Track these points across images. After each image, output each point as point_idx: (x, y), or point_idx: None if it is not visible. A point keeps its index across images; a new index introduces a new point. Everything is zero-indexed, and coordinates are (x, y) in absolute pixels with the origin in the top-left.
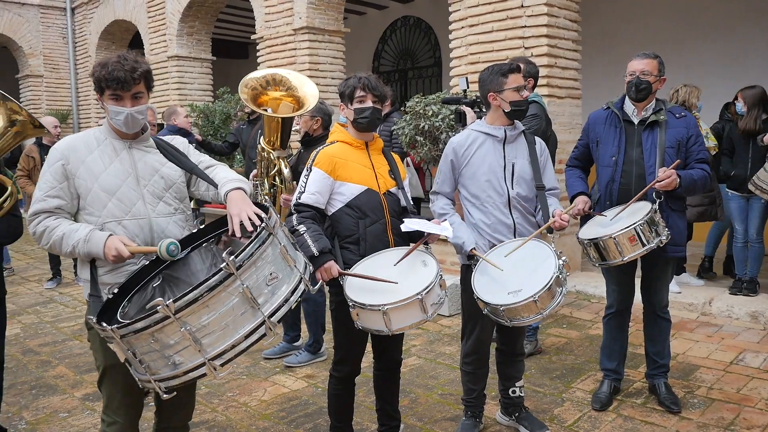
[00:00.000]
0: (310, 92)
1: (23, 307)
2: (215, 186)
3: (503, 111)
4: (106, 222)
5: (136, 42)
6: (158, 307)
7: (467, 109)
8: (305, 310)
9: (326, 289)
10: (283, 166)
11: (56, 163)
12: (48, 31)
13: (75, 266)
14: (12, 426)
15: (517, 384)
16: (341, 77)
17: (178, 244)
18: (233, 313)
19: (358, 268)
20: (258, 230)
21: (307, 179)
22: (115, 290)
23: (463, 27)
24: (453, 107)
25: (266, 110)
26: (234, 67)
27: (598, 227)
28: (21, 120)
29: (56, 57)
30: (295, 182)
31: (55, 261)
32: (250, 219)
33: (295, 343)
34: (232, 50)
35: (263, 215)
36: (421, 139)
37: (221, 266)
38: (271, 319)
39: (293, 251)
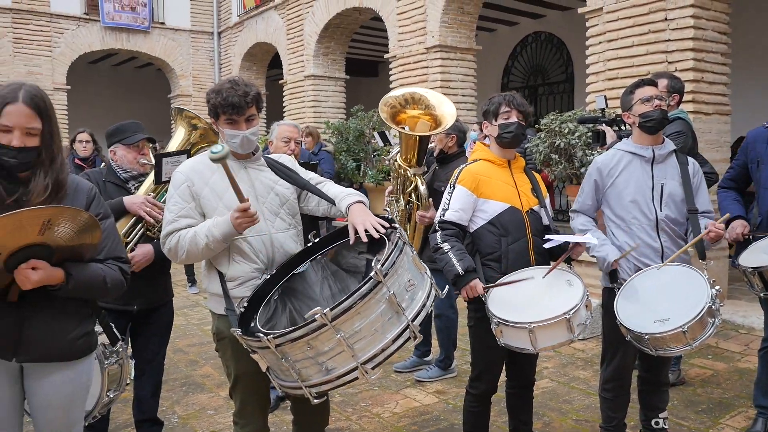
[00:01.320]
0: (448, 111)
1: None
2: (330, 201)
3: (638, 126)
4: (233, 239)
5: (274, 63)
6: (316, 316)
7: (607, 129)
8: (437, 326)
9: (459, 305)
10: (419, 183)
11: (182, 185)
12: (197, 54)
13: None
14: (166, 419)
15: (660, 415)
16: (472, 94)
17: (225, 147)
18: (382, 318)
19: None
20: (392, 239)
21: (450, 196)
22: (245, 304)
23: (600, 42)
24: (589, 125)
25: (404, 128)
26: (364, 85)
27: (762, 254)
28: (201, 126)
29: (203, 78)
30: (430, 199)
31: (189, 269)
32: (375, 229)
33: (426, 358)
34: (363, 69)
35: (386, 225)
36: (556, 157)
37: (371, 275)
38: (414, 323)
39: (419, 259)
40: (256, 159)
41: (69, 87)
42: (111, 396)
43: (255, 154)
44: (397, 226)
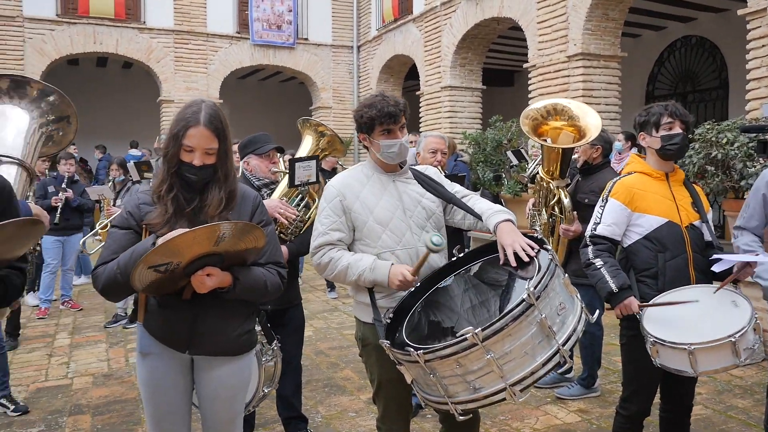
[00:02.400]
0: (592, 123)
1: (314, 312)
2: (477, 216)
3: None
4: (381, 252)
5: (411, 74)
6: (467, 336)
7: None
8: (581, 343)
9: (604, 319)
10: (563, 196)
11: (334, 199)
12: (337, 68)
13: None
14: (310, 417)
15: None
16: (616, 103)
17: (442, 237)
18: (532, 341)
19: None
20: (543, 260)
21: (603, 210)
22: (391, 315)
23: (764, 45)
24: (752, 135)
25: (545, 140)
26: (499, 94)
27: None
28: (328, 133)
29: (343, 90)
30: (575, 212)
31: None
32: (524, 250)
33: (567, 375)
34: (499, 78)
35: (535, 246)
36: (712, 168)
37: (523, 297)
38: (564, 347)
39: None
40: (403, 172)
41: (221, 101)
42: (266, 391)
43: (402, 167)
44: (549, 247)
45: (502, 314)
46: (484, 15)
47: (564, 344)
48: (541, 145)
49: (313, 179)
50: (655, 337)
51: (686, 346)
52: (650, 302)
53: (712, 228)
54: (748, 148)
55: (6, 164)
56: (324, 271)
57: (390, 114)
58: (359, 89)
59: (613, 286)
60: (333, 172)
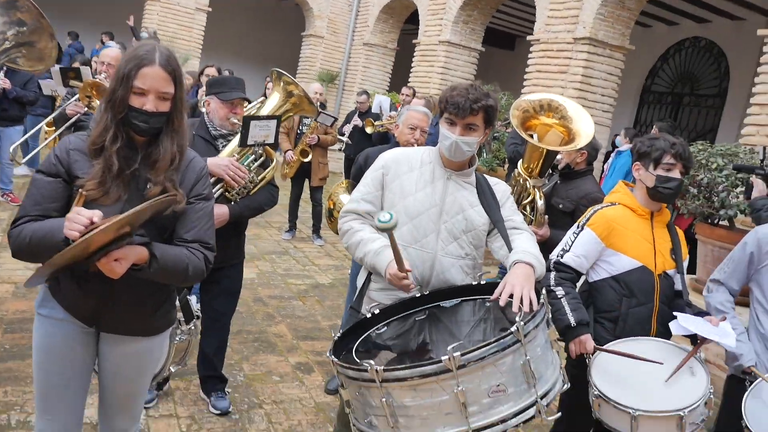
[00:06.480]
0: (584, 129)
1: (262, 252)
2: (510, 248)
3: None
4: None
5: (411, 19)
6: (368, 368)
7: (757, 181)
8: None
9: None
10: (537, 197)
11: (379, 170)
12: None
13: (313, 225)
14: (232, 375)
15: None
16: (612, 95)
17: (393, 216)
18: (438, 408)
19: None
20: (540, 312)
21: (575, 238)
22: (376, 311)
23: None
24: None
25: (531, 136)
26: (497, 57)
27: None
28: (297, 93)
29: (339, 21)
30: (546, 216)
31: (293, 214)
32: (525, 300)
33: None
34: (499, 40)
35: (536, 307)
36: (694, 190)
37: (454, 354)
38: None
39: (544, 366)
40: (465, 174)
41: (210, 9)
42: (172, 370)
43: (470, 168)
44: (543, 310)
45: (412, 364)
46: None
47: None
48: (526, 140)
49: (271, 140)
50: (600, 392)
51: (631, 411)
52: (607, 346)
53: (686, 279)
54: (736, 178)
55: None
56: (343, 238)
57: (456, 104)
58: (356, 23)
59: (572, 320)
60: (371, 136)
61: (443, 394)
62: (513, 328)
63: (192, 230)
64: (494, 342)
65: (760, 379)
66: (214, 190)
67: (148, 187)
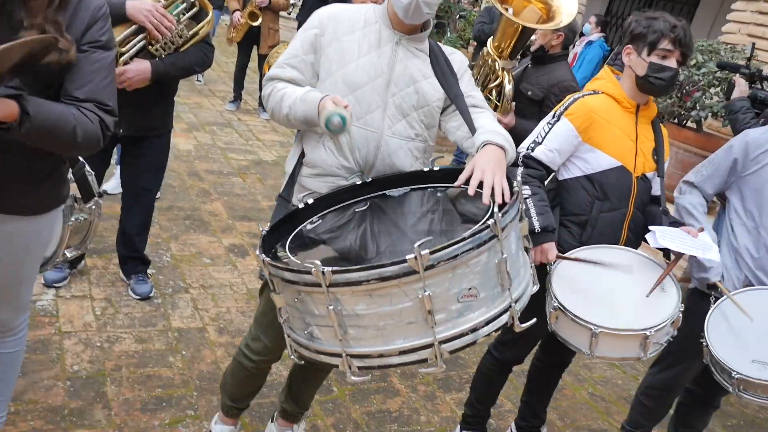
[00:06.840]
0: (567, 8)
1: (203, 122)
2: (472, 129)
3: None
4: None
5: None
6: (312, 269)
7: (740, 81)
8: None
9: None
10: (506, 81)
11: (312, 29)
12: None
13: (259, 98)
14: (158, 254)
15: None
16: None
17: (346, 119)
18: (398, 317)
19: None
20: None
21: (550, 129)
22: (309, 201)
23: None
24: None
25: (507, 9)
26: None
27: None
28: None
29: None
30: (513, 103)
31: (239, 84)
32: (497, 190)
33: None
34: None
35: (508, 198)
36: None
37: (422, 252)
38: (443, 347)
39: (518, 266)
40: (418, 39)
41: None
42: (68, 255)
43: (423, 32)
44: (518, 203)
45: (367, 265)
46: None
47: (445, 342)
48: (500, 15)
49: None
50: (560, 303)
51: (592, 327)
52: (570, 254)
53: (664, 183)
54: (714, 77)
55: None
56: (267, 104)
57: None
58: None
59: (537, 225)
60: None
61: (405, 300)
62: (490, 221)
63: (84, 86)
64: (469, 238)
65: (726, 296)
66: (135, 41)
67: (22, 31)
